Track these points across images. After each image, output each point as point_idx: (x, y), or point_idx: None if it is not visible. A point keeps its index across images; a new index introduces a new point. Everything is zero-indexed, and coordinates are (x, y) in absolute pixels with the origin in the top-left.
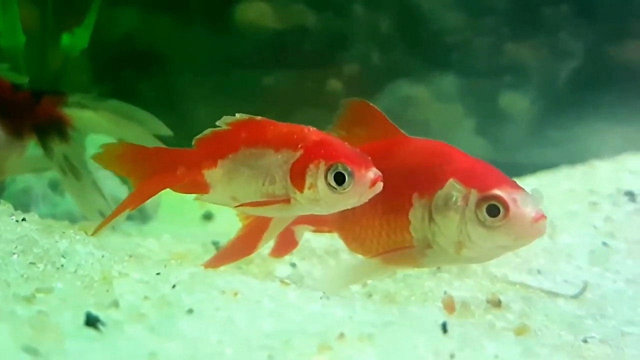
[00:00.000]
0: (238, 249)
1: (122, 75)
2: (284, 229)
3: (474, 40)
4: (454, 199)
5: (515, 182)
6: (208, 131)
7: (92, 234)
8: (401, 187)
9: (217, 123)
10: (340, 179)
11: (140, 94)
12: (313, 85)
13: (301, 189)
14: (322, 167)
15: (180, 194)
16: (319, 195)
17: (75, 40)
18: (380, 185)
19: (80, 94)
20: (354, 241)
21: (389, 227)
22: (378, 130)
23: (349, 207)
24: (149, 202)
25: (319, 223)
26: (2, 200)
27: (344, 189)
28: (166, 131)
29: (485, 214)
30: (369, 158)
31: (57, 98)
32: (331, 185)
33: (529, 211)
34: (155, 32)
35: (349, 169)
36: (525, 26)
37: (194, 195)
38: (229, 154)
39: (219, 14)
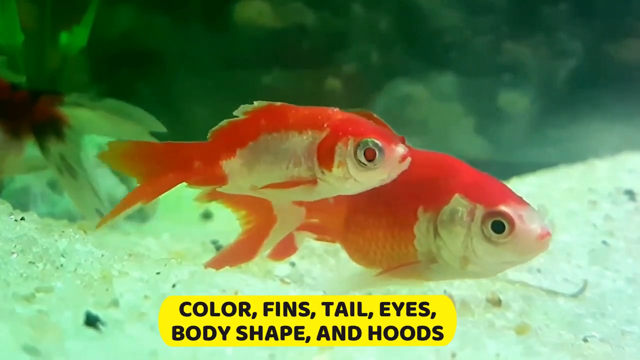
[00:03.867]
0: (238, 254)
1: (120, 74)
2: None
3: (473, 39)
4: (459, 214)
5: (521, 198)
6: (224, 122)
7: (97, 227)
8: (406, 200)
9: (235, 113)
10: (370, 154)
11: (139, 93)
12: (311, 84)
13: (330, 168)
14: (351, 144)
15: (177, 194)
16: (349, 173)
17: (73, 39)
18: (408, 161)
19: (76, 93)
20: (357, 252)
21: (394, 240)
22: None
23: (378, 185)
24: None
25: (322, 232)
26: (0, 199)
27: (375, 165)
28: (163, 130)
29: (491, 230)
30: (396, 134)
31: (54, 97)
32: (361, 162)
33: (534, 227)
34: (153, 31)
35: (379, 144)
36: (524, 25)
37: (193, 194)
38: (249, 142)
39: (217, 13)
